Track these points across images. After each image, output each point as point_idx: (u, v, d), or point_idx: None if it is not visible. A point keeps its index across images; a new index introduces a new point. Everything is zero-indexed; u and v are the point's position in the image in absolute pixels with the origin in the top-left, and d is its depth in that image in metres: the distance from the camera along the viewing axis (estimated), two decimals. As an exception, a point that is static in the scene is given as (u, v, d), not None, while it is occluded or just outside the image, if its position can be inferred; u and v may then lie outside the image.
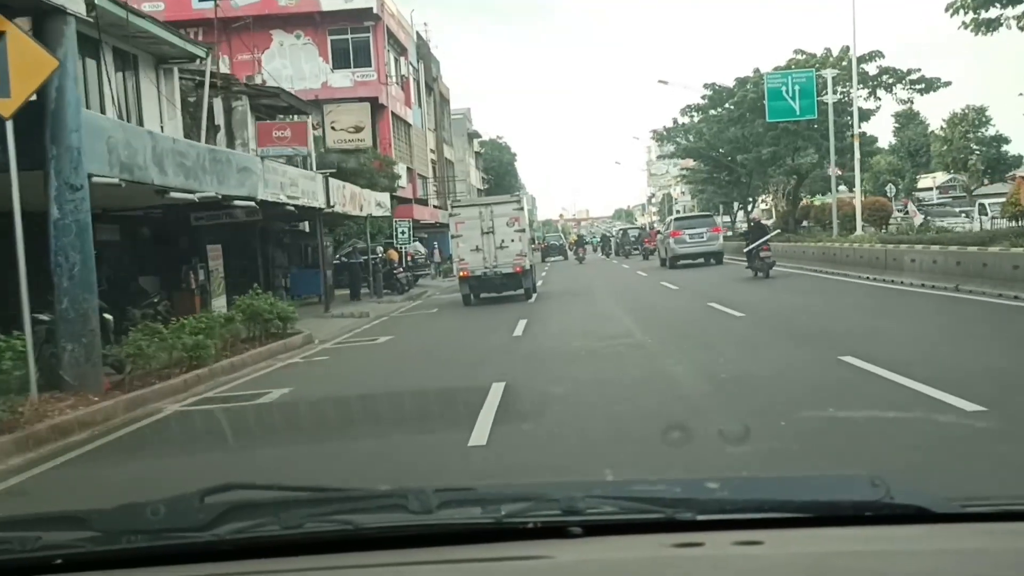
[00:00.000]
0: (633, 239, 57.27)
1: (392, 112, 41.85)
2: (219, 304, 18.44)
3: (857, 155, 34.41)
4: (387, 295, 30.37)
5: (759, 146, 42.31)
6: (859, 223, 33.74)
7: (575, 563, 1.64)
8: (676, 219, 39.77)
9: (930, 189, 69.39)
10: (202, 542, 1.72)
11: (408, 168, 46.24)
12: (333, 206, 22.37)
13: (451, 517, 1.78)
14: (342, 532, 1.73)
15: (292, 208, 20.19)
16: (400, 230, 32.69)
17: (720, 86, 45.97)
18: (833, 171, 37.06)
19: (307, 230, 30.43)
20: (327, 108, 37.60)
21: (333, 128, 37.14)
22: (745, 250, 25.64)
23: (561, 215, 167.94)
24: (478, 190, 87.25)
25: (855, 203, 35.69)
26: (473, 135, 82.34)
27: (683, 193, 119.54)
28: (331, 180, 22.78)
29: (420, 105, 52.67)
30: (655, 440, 6.52)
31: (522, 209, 25.07)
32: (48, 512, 2.02)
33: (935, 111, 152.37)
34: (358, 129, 36.95)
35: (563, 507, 1.75)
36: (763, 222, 29.81)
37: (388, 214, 31.50)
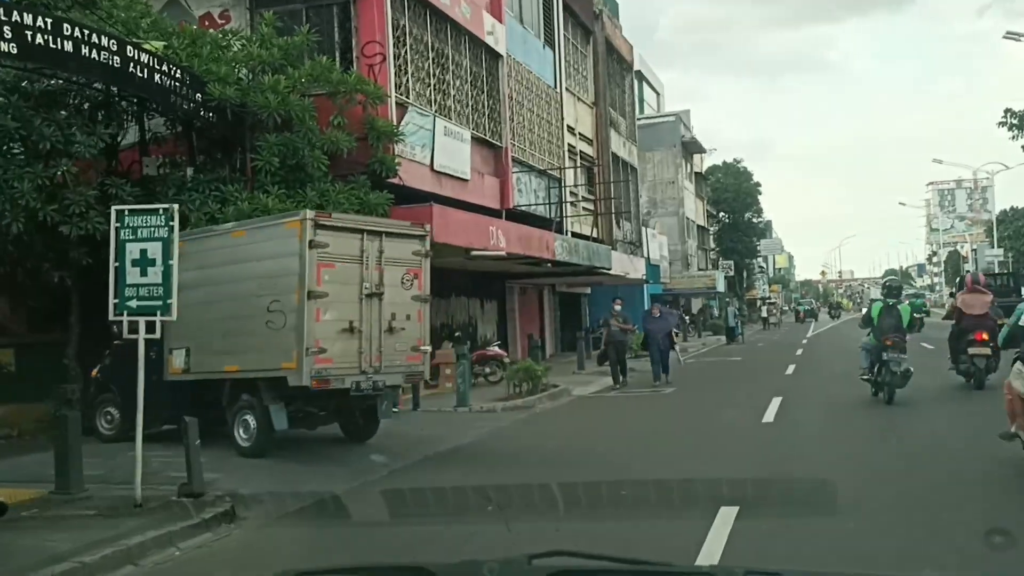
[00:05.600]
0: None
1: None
2: None
3: None
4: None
5: None
6: None
7: None
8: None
9: None
10: None
11: (483, 140, 21.86)
12: None
13: None
14: None
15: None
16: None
17: None
18: None
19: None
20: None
21: None
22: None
23: (823, 272, 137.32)
24: (698, 228, 61.38)
25: None
26: (690, 146, 56.50)
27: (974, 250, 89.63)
28: None
29: (552, 43, 28.28)
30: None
31: (428, 254, 11.84)
32: (399, 563, 2.18)
33: None
34: None
35: None
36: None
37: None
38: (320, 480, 9.29)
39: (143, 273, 8.02)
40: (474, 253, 18.20)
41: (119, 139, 16.24)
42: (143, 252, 8.01)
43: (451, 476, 8.72)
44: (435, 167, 18.96)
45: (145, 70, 13.21)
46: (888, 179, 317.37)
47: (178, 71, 13.93)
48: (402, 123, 17.56)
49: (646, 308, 38.58)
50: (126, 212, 8.16)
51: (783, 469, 8.33)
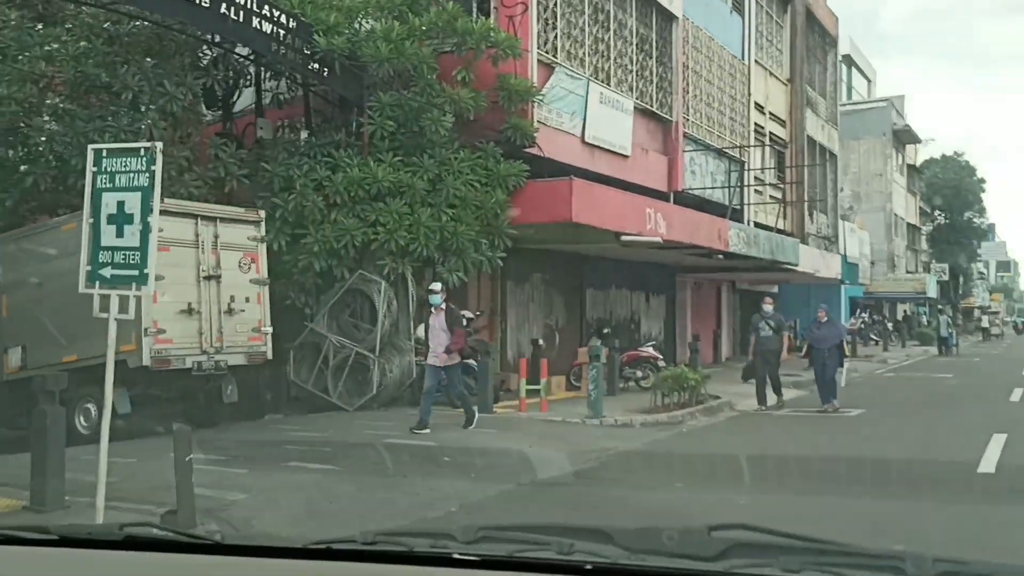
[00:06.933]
0: None
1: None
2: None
3: None
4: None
5: None
6: None
7: None
8: None
9: None
10: (706, 571, 1.82)
11: (648, 112, 19.22)
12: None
13: None
14: None
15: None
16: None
17: None
18: None
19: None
20: None
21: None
22: None
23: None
24: (909, 226, 55.40)
25: None
26: (902, 135, 51.04)
27: None
28: None
29: (741, 9, 25.10)
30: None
31: (264, 240, 12.12)
32: (582, 525, 2.13)
33: None
34: None
35: None
36: None
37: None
38: (360, 512, 7.17)
39: (119, 233, 6.13)
40: (625, 238, 15.65)
41: (234, 98, 14.90)
42: (120, 205, 6.13)
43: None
44: (587, 138, 16.56)
45: (241, 13, 11.58)
46: None
47: (281, 16, 12.25)
48: (546, 85, 15.27)
49: (837, 311, 34.42)
50: (104, 152, 6.28)
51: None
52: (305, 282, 13.08)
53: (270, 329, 11.99)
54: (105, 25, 12.16)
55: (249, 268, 11.76)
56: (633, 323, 23.03)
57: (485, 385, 13.05)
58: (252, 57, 13.60)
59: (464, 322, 12.58)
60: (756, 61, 26.11)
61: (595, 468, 9.29)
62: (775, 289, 32.85)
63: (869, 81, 58.44)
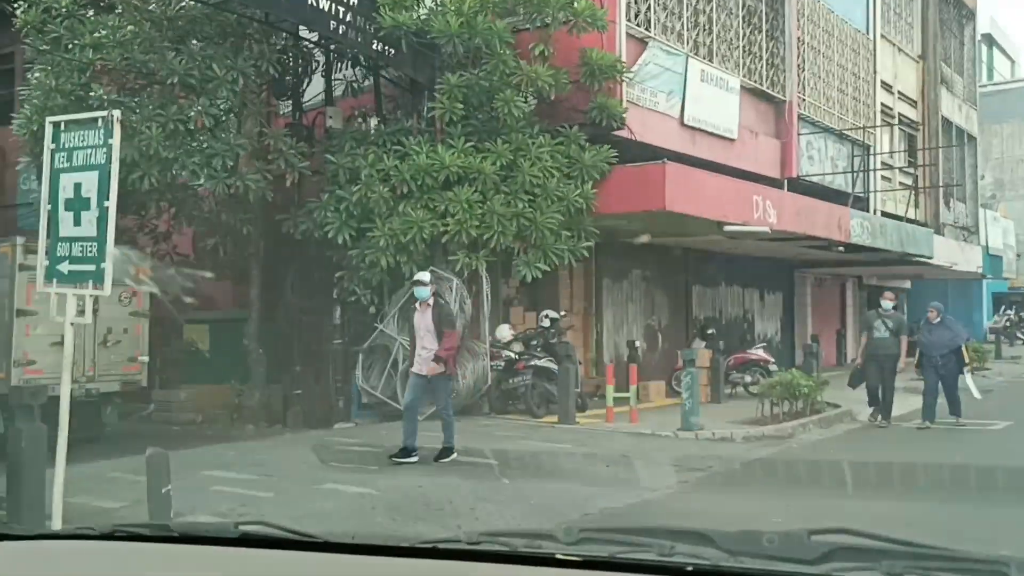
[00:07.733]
0: None
1: None
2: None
3: None
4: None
5: None
6: None
7: None
8: None
9: None
10: (807, 574, 1.82)
11: (758, 91, 17.53)
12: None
13: None
14: None
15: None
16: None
17: None
18: None
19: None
20: None
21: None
22: None
23: None
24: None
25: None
26: (1052, 116, 46.71)
27: None
28: None
29: (863, -21, 22.94)
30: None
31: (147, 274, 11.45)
32: (680, 526, 2.10)
33: None
34: None
35: None
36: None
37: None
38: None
39: (76, 221, 5.18)
40: (729, 228, 14.07)
41: (304, 87, 14.10)
42: (77, 188, 5.17)
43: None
44: (686, 120, 15.04)
45: (294, -12, 10.68)
46: None
47: (341, -9, 11.29)
48: (639, 61, 13.85)
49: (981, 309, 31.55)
50: (62, 126, 5.33)
51: None
52: (371, 279, 12.11)
53: (146, 359, 12.42)
54: (151, 7, 11.50)
55: (130, 302, 12.10)
56: (745, 323, 21.30)
57: (566, 392, 11.77)
58: (314, 39, 12.73)
59: (456, 323, 10.65)
60: (883, 36, 23.84)
61: (676, 495, 7.90)
62: (907, 284, 30.33)
63: (1012, 61, 54.11)
